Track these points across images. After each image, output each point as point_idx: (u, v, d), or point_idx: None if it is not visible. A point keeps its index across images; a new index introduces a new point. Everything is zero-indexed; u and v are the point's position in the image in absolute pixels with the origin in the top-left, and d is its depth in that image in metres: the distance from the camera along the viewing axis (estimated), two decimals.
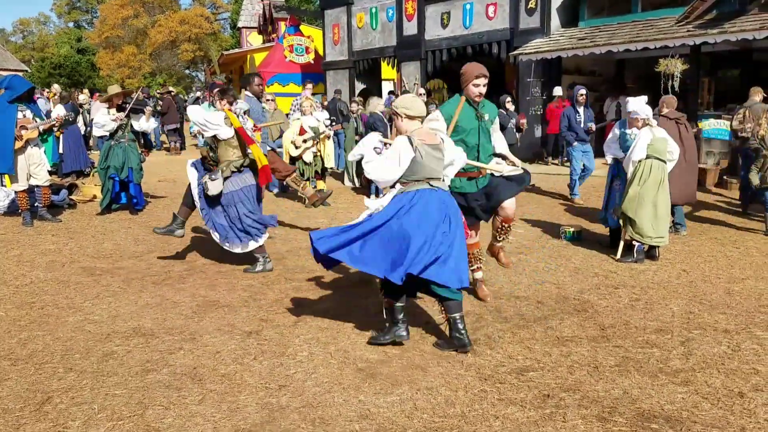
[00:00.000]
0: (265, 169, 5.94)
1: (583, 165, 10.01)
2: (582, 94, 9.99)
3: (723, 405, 3.48)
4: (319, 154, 9.89)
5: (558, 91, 13.79)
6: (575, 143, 9.93)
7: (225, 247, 6.09)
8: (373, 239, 4.05)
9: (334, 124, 11.90)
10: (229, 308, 5.11)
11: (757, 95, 9.63)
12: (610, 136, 7.00)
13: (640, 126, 6.41)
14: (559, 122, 10.53)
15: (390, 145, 4.26)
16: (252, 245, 6.05)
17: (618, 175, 6.87)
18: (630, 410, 3.42)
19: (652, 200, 6.30)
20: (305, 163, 9.75)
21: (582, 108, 9.99)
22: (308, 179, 9.84)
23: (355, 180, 11.60)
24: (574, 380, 3.79)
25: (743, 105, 9.67)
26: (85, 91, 20.78)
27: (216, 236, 6.08)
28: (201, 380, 3.80)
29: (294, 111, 11.84)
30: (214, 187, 5.80)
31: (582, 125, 9.89)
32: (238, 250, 6.04)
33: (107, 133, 8.79)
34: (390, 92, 16.68)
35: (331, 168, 10.45)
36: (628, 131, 6.67)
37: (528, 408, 3.46)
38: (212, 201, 5.96)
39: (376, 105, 10.79)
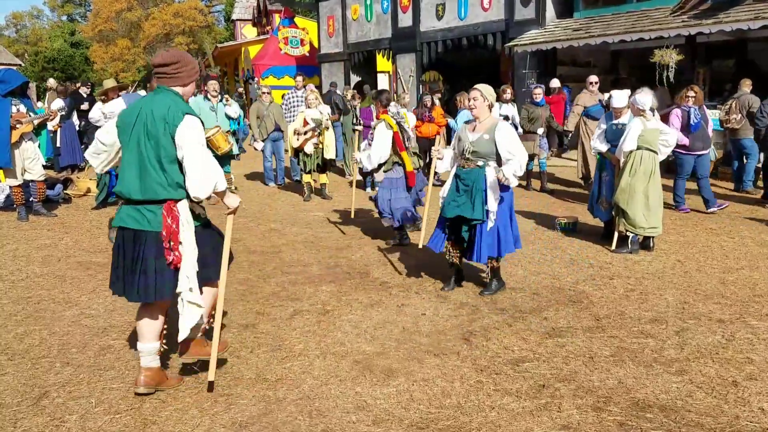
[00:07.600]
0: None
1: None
2: None
3: (717, 394, 3.51)
4: (320, 145, 9.85)
5: (555, 83, 13.74)
6: None
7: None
8: None
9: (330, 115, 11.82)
10: (225, 301, 5.09)
11: (746, 86, 9.70)
12: (596, 129, 7.02)
13: (635, 115, 6.43)
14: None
15: None
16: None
17: (606, 167, 6.88)
18: (625, 400, 3.45)
19: (643, 191, 6.32)
20: (306, 155, 9.73)
21: None
22: (310, 171, 9.84)
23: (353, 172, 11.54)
24: (569, 370, 3.81)
25: (733, 96, 9.72)
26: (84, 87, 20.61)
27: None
28: (197, 373, 3.81)
29: (284, 105, 11.82)
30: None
31: None
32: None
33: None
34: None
35: (333, 159, 10.30)
36: (614, 122, 6.70)
37: (523, 398, 3.48)
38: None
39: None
